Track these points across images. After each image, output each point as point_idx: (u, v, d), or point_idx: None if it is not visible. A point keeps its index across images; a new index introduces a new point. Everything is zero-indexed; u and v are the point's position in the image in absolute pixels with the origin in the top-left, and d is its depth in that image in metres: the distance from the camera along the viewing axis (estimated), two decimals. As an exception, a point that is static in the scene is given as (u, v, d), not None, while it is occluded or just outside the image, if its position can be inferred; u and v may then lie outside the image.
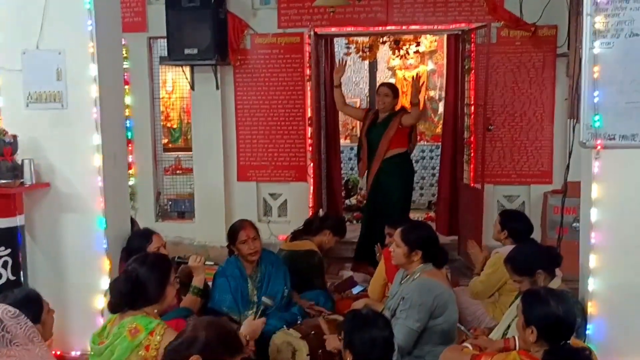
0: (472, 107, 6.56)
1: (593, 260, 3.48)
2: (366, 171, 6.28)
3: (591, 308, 3.48)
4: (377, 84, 10.04)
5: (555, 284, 3.39)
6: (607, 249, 3.46)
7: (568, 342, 2.59)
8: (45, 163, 3.89)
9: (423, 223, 4.14)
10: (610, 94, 3.34)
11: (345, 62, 6.50)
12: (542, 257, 3.53)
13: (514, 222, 4.32)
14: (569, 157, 4.33)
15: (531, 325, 2.69)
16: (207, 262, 3.92)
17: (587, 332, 3.46)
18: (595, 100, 3.35)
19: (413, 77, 6.79)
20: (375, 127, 6.16)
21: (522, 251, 3.61)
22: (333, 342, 3.47)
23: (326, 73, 7.13)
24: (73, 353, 3.86)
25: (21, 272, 3.77)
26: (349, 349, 2.75)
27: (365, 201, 6.56)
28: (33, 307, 2.86)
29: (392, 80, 10.09)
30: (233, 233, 4.21)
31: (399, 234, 3.72)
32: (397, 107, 6.32)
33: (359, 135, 6.47)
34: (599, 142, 3.38)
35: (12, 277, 3.72)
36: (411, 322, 3.46)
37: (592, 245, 3.47)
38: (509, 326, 3.49)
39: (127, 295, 3.00)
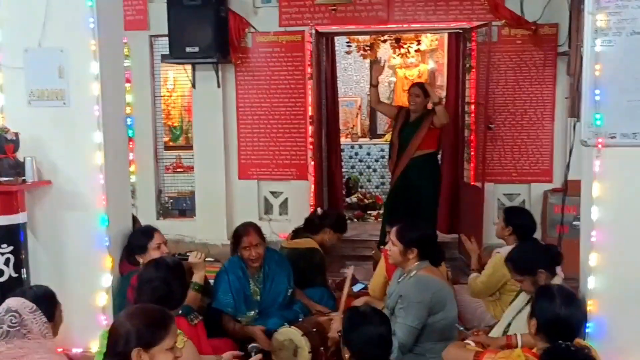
0: (473, 106, 6.57)
1: (593, 259, 3.47)
2: (394, 167, 6.34)
3: (591, 306, 3.48)
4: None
5: (556, 282, 3.40)
6: (608, 247, 3.45)
7: (568, 343, 2.60)
8: (47, 161, 3.89)
9: (420, 222, 4.11)
10: (612, 93, 3.34)
11: (384, 62, 6.55)
12: (543, 256, 3.53)
13: (519, 219, 4.32)
14: (569, 155, 4.34)
15: (534, 317, 2.74)
16: (207, 259, 3.92)
17: (588, 330, 3.45)
18: (597, 98, 3.34)
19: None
20: (408, 126, 6.22)
21: (523, 251, 3.61)
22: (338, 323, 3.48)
23: (327, 71, 7.14)
24: (74, 350, 3.87)
25: (23, 269, 3.78)
26: (347, 346, 2.77)
27: (389, 196, 6.57)
28: (49, 305, 2.89)
29: (393, 79, 10.11)
30: (236, 237, 4.21)
31: (395, 233, 3.73)
32: (429, 106, 6.31)
33: (391, 134, 6.56)
34: (600, 140, 3.37)
35: (14, 274, 3.73)
36: (410, 319, 3.47)
37: (592, 243, 3.47)
38: (509, 324, 3.51)
39: (157, 304, 3.01)
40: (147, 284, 3.07)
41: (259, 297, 4.19)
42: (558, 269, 3.62)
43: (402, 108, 6.57)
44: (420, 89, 6.23)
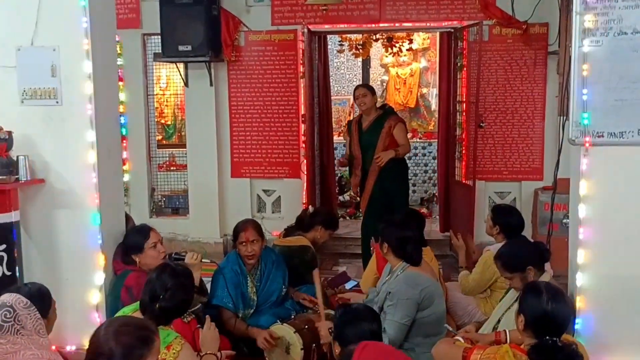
0: (464, 104, 6.61)
1: (581, 256, 3.52)
2: (358, 183, 6.09)
3: (580, 303, 3.53)
4: (370, 81, 10.17)
5: (545, 279, 3.43)
6: (596, 245, 3.50)
7: (556, 339, 2.64)
8: (40, 159, 3.89)
9: (402, 222, 4.02)
10: (599, 92, 3.38)
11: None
12: (532, 254, 3.56)
13: (505, 218, 4.36)
14: (559, 153, 4.37)
15: (522, 313, 2.77)
16: (203, 260, 3.93)
17: (576, 326, 3.50)
18: (584, 97, 3.39)
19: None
20: (366, 133, 5.97)
21: (512, 248, 3.64)
22: (325, 328, 3.52)
23: (319, 70, 7.16)
24: (68, 348, 3.88)
25: (16, 268, 3.78)
26: (338, 342, 2.80)
27: (364, 207, 6.19)
28: (43, 302, 2.90)
29: (385, 78, 10.15)
30: (236, 232, 4.25)
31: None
32: (378, 105, 6.20)
33: (350, 150, 6.15)
34: (587, 139, 3.42)
35: (7, 273, 3.73)
36: (399, 316, 3.51)
37: (580, 240, 3.51)
38: (499, 320, 3.54)
39: (171, 312, 3.03)
40: (164, 290, 3.07)
41: (255, 295, 4.22)
42: (547, 266, 3.66)
43: (349, 122, 6.35)
44: (365, 88, 6.08)
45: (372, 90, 6.05)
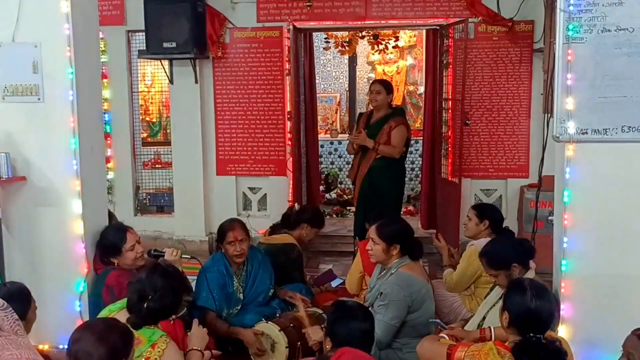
0: (450, 102, 6.61)
1: (566, 253, 3.52)
2: (355, 174, 6.06)
3: (564, 299, 3.54)
4: (357, 79, 10.17)
5: (529, 276, 3.44)
6: (580, 241, 3.50)
7: (540, 336, 2.64)
8: (21, 157, 3.85)
9: (396, 217, 4.12)
10: (583, 89, 3.38)
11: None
12: (516, 251, 3.56)
13: (492, 213, 4.39)
14: (544, 151, 4.39)
15: (506, 310, 2.77)
16: (183, 256, 3.90)
17: (560, 322, 3.50)
18: (568, 95, 3.39)
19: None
20: (370, 128, 5.93)
21: (497, 245, 3.64)
22: (314, 334, 3.50)
23: (305, 67, 7.14)
24: (47, 346, 3.84)
25: (-3, 266, 3.75)
26: (330, 338, 2.79)
27: (355, 201, 6.22)
28: (23, 302, 2.86)
29: (372, 75, 10.15)
30: (222, 232, 4.21)
31: (374, 231, 3.75)
32: (393, 103, 6.22)
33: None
34: (571, 136, 3.42)
35: (-12, 271, 3.70)
36: (389, 317, 3.51)
37: (565, 238, 3.52)
38: (484, 317, 3.55)
39: (158, 313, 2.99)
40: (153, 291, 3.02)
41: (241, 295, 4.20)
42: (531, 263, 3.66)
43: (362, 114, 6.37)
44: (382, 85, 6.00)
45: (387, 88, 5.96)
